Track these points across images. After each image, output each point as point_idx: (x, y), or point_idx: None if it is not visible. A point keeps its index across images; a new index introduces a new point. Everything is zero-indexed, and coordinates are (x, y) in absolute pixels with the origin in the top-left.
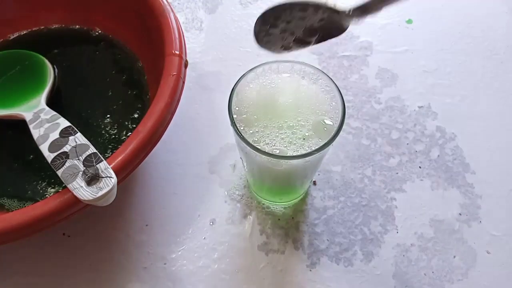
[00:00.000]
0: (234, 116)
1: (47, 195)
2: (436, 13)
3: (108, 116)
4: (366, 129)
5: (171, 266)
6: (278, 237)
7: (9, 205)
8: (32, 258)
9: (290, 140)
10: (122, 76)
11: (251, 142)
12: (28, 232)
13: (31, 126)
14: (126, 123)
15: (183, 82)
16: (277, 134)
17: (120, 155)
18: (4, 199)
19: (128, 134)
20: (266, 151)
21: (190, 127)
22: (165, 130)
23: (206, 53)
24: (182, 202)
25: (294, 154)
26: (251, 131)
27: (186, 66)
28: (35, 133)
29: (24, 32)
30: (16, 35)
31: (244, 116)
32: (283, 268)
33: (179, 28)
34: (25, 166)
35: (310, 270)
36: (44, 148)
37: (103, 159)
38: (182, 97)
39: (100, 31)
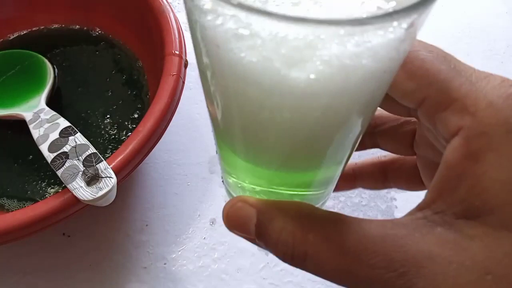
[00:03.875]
0: None
1: (47, 195)
2: (436, 13)
3: (108, 116)
4: None
5: (171, 266)
6: None
7: (9, 205)
8: (32, 258)
9: None
10: (122, 76)
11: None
12: (28, 232)
13: (31, 126)
14: (126, 123)
15: (183, 82)
16: None
17: (120, 155)
18: (4, 199)
19: (128, 134)
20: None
21: (190, 127)
22: (165, 130)
23: None
24: (182, 202)
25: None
26: None
27: (186, 66)
28: (35, 133)
29: (24, 32)
30: (16, 35)
31: None
32: (283, 268)
33: (179, 28)
34: (25, 166)
35: None
36: (44, 148)
37: (103, 159)
38: (182, 97)
39: (100, 31)
